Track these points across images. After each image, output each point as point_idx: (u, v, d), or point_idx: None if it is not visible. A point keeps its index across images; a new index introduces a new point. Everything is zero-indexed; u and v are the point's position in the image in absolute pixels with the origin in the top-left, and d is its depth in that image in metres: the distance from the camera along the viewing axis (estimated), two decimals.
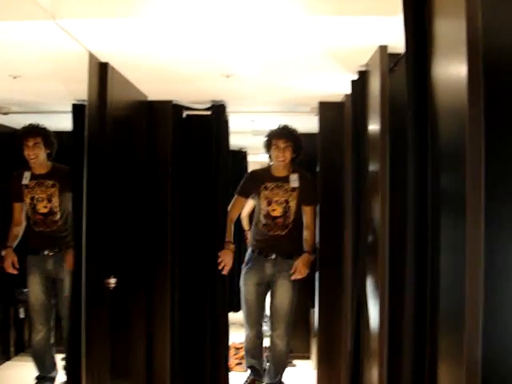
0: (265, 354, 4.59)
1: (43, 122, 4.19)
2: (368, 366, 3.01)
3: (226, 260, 4.19)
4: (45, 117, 4.35)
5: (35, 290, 4.22)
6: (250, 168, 6.44)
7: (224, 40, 2.76)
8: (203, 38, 2.72)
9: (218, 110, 4.10)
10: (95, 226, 2.88)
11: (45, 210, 4.15)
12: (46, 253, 4.17)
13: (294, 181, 4.24)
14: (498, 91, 1.74)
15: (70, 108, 3.77)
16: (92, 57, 2.83)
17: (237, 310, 6.21)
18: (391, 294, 2.65)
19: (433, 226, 2.05)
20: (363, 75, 3.09)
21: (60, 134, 4.30)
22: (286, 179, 4.26)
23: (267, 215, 4.24)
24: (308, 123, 4.66)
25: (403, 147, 2.41)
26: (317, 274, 4.25)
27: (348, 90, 3.52)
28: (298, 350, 5.49)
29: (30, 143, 4.07)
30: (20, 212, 4.27)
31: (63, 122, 3.92)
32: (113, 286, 2.99)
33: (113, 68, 3.05)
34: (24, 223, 4.27)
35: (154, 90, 3.81)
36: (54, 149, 4.17)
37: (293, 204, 4.23)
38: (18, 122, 4.69)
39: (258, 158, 6.69)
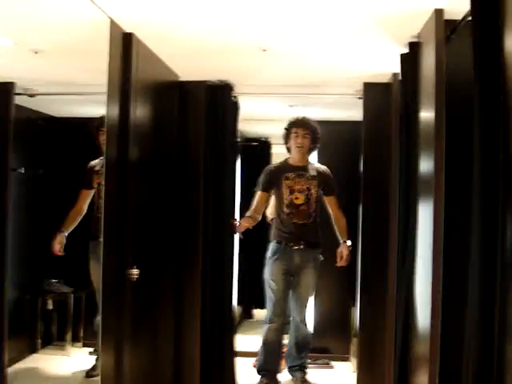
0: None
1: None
2: (415, 372, 2.72)
3: (242, 223, 4.30)
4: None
5: (95, 274, 4.26)
6: (274, 159, 6.21)
7: (260, 8, 2.49)
8: (237, 5, 2.46)
9: (224, 91, 3.82)
10: (116, 213, 2.64)
11: None
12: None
13: (313, 169, 4.42)
14: None
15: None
16: (114, 25, 2.56)
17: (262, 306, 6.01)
18: (445, 294, 2.35)
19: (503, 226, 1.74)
20: (414, 48, 2.75)
21: None
22: (304, 168, 4.41)
23: (290, 204, 4.34)
24: (350, 110, 4.40)
25: (464, 138, 2.10)
26: (358, 272, 3.96)
27: (396, 69, 3.20)
28: (337, 351, 5.24)
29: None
30: (85, 199, 4.37)
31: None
32: (135, 277, 2.75)
33: (138, 40, 2.77)
34: (85, 211, 4.37)
35: (182, 67, 3.52)
36: None
37: (314, 191, 4.37)
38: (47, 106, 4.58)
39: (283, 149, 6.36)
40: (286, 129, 4.43)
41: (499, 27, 1.86)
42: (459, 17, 2.26)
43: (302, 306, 4.45)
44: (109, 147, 2.60)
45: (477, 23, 1.94)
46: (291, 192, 4.34)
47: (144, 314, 3.09)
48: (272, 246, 4.41)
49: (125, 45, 2.68)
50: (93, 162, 4.45)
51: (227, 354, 3.88)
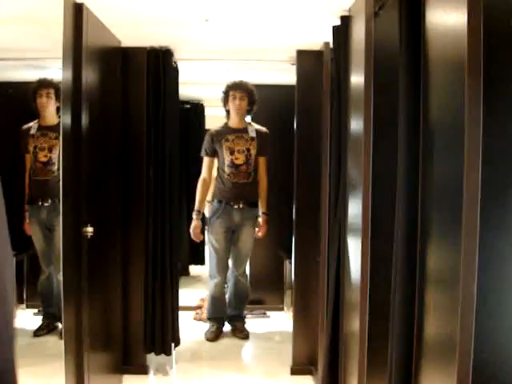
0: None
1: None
2: (348, 316, 3.04)
3: (197, 232, 4.73)
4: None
5: (36, 237, 4.56)
6: (208, 121, 6.56)
7: None
8: None
9: (164, 56, 3.94)
10: (72, 174, 2.80)
11: (44, 159, 4.37)
12: (41, 203, 4.43)
13: (252, 131, 4.67)
14: (499, 41, 1.70)
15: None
16: None
17: (202, 263, 6.32)
18: (373, 242, 2.65)
19: (425, 178, 2.02)
20: (345, 20, 3.00)
21: None
22: (244, 130, 4.68)
23: (231, 164, 4.61)
24: (284, 75, 4.64)
25: (390, 99, 2.37)
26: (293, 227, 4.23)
27: (328, 38, 3.45)
28: (272, 302, 5.57)
29: (43, 92, 4.37)
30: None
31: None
32: (90, 234, 2.93)
33: (88, 9, 2.90)
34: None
35: (125, 34, 3.64)
36: None
37: (253, 152, 4.65)
38: None
39: (216, 112, 6.55)
40: (223, 92, 4.67)
41: (421, 5, 2.13)
42: None
43: (242, 261, 4.81)
44: (64, 110, 2.74)
45: (402, 1, 2.20)
46: (231, 153, 4.60)
47: (98, 271, 3.27)
48: (213, 205, 4.70)
49: (76, 14, 2.81)
50: (26, 126, 4.54)
51: (170, 309, 4.09)
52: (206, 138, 4.76)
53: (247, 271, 5.19)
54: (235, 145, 4.63)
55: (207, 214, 4.86)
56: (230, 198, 4.62)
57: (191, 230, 4.73)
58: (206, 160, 4.74)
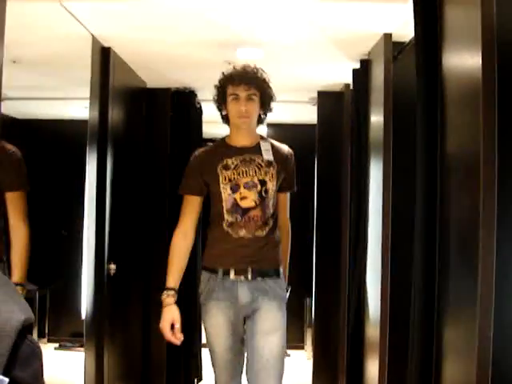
0: None
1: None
2: (368, 357, 3.03)
3: (167, 325, 2.48)
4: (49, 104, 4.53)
5: None
6: None
7: (228, 24, 2.76)
8: (207, 22, 2.72)
9: (188, 97, 4.09)
10: (98, 212, 2.89)
11: None
12: None
13: (267, 150, 2.63)
14: None
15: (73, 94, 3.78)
16: (95, 41, 2.82)
17: None
18: (393, 283, 2.67)
19: (442, 219, 2.05)
20: (365, 64, 3.09)
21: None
22: (255, 149, 2.63)
23: (233, 208, 2.56)
24: (306, 113, 4.71)
25: (408, 138, 2.43)
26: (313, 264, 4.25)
27: (347, 80, 3.53)
28: (292, 340, 5.53)
29: None
30: None
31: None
32: (113, 271, 2.99)
33: (115, 53, 3.03)
34: None
35: (152, 76, 3.77)
36: None
37: (271, 186, 2.60)
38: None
39: None
40: (217, 87, 2.62)
41: (437, 50, 2.19)
42: (405, 39, 2.59)
43: (268, 374, 2.49)
44: (90, 149, 2.84)
45: (419, 47, 2.26)
46: (234, 189, 2.57)
47: (119, 310, 3.33)
48: (204, 276, 2.62)
49: (104, 57, 2.94)
50: None
51: (195, 345, 4.12)
52: (191, 164, 2.67)
53: None
54: (241, 175, 2.58)
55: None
56: (232, 264, 2.54)
57: (160, 327, 2.48)
58: (187, 200, 2.64)
